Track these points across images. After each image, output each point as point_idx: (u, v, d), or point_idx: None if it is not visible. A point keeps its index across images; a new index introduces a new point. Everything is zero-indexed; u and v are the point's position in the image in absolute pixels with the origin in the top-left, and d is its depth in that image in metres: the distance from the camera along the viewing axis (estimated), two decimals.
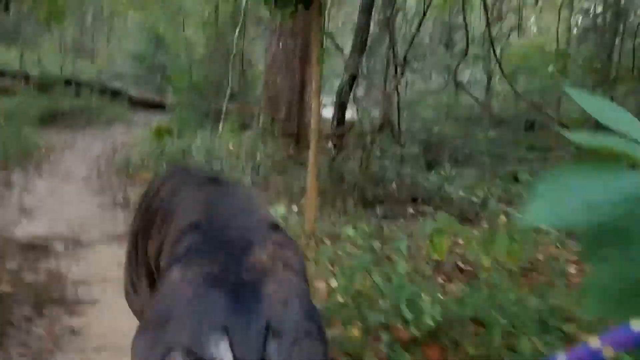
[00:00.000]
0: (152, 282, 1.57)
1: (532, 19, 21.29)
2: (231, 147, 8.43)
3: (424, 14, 8.02)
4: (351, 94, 8.24)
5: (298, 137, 9.80)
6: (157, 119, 14.79)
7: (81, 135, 12.23)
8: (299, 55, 9.80)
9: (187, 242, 1.27)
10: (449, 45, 18.00)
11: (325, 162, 7.90)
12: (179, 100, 13.42)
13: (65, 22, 13.09)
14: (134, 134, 13.06)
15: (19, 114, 11.98)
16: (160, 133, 7.77)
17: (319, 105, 3.91)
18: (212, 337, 1.00)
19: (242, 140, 9.44)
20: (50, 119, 12.88)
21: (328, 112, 10.96)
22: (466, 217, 6.82)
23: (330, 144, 8.07)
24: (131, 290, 1.77)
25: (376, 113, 10.23)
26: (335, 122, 8.32)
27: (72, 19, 15.34)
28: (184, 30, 12.52)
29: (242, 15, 9.32)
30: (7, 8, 10.63)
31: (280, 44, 9.74)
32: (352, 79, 7.82)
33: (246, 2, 9.36)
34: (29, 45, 15.87)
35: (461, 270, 4.33)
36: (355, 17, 12.68)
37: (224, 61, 14.90)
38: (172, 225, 1.48)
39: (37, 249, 3.81)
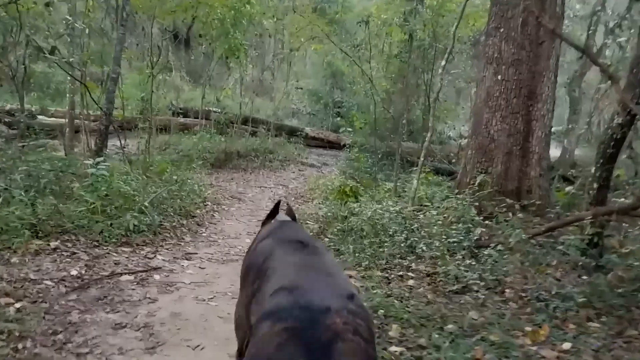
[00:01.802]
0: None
1: None
2: (434, 213, 5.94)
3: None
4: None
5: (519, 197, 7.01)
6: (333, 163, 12.99)
7: (254, 179, 10.72)
8: (524, 89, 7.08)
9: (276, 300, 1.39)
10: None
11: (574, 251, 5.07)
12: (357, 141, 11.38)
13: (245, 60, 11.89)
14: (307, 177, 11.36)
15: (193, 155, 10.90)
16: (344, 194, 5.61)
17: None
18: None
19: (445, 199, 6.94)
20: (224, 161, 11.67)
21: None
22: None
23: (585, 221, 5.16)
24: (240, 307, 1.94)
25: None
26: (595, 186, 5.41)
27: (252, 58, 14.29)
28: (368, 63, 10.41)
29: (453, 40, 6.88)
30: (187, 45, 9.47)
31: (499, 75, 7.11)
32: (629, 124, 4.92)
33: (456, 27, 6.92)
34: (212, 85, 15.25)
35: None
36: None
37: (407, 97, 12.73)
38: (265, 282, 1.59)
39: None
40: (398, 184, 9.46)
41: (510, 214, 6.52)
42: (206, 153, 11.36)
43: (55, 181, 5.63)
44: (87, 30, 7.14)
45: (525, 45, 7.13)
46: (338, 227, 5.42)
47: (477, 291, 4.28)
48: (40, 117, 12.51)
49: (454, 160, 13.14)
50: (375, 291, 4.01)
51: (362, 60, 14.95)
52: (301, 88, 18.16)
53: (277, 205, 2.50)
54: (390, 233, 5.27)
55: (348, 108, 16.02)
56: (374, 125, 12.04)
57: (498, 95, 7.17)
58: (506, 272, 4.67)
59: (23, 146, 9.05)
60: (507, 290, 4.42)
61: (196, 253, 4.97)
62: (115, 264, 4.19)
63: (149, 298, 3.66)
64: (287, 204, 2.64)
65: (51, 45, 7.17)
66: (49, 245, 4.20)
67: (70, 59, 6.64)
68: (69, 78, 8.22)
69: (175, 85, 14.39)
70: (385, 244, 5.03)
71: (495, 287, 4.46)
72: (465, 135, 15.81)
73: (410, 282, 4.41)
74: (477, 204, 6.26)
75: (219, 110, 13.66)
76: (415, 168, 9.43)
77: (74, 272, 3.81)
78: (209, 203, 7.21)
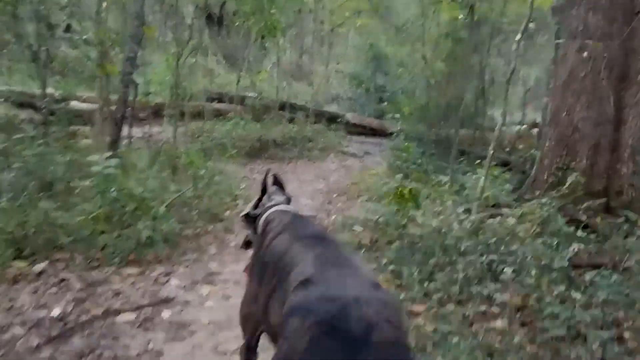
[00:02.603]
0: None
1: None
2: (511, 222, 4.75)
3: None
4: None
5: (607, 199, 5.75)
6: (376, 152, 11.81)
7: (291, 171, 9.69)
8: (615, 70, 5.77)
9: (303, 294, 1.32)
10: None
11: None
12: (404, 129, 10.16)
13: (283, 40, 10.80)
14: (349, 169, 10.26)
15: (227, 144, 9.94)
16: (401, 198, 4.50)
17: None
18: None
19: (517, 201, 5.76)
20: (259, 150, 10.67)
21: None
22: None
23: None
24: (250, 302, 1.87)
25: None
26: None
27: (290, 38, 13.17)
28: (416, 43, 9.17)
29: (529, 14, 5.57)
30: (221, 24, 8.45)
31: (585, 53, 5.80)
32: None
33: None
34: (247, 69, 14.26)
35: None
36: None
37: (463, 80, 11.42)
38: (286, 277, 1.51)
39: None
40: (446, 177, 8.31)
41: (599, 219, 5.32)
42: (241, 141, 10.40)
43: (61, 179, 4.73)
44: (104, 4, 6.17)
45: (617, 16, 5.80)
46: (396, 242, 4.29)
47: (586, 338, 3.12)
48: (73, 102, 11.77)
49: (507, 149, 11.78)
50: (455, 339, 2.91)
51: (409, 41, 13.70)
52: (341, 72, 16.94)
53: (265, 178, 2.42)
54: (462, 249, 4.12)
55: (392, 93, 14.77)
56: (424, 111, 10.82)
57: (583, 77, 5.87)
58: (617, 304, 3.49)
59: (44, 133, 8.27)
60: (625, 335, 3.25)
61: (220, 273, 3.95)
62: (114, 294, 3.20)
63: (152, 350, 2.66)
64: (274, 174, 2.54)
65: (66, 23, 6.19)
66: (33, 268, 3.24)
67: (84, 37, 5.68)
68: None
69: (209, 69, 13.43)
70: (457, 265, 3.89)
71: (609, 329, 3.28)
72: (519, 122, 14.41)
73: (498, 322, 3.27)
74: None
75: (255, 95, 12.65)
76: (477, 160, 8.28)
77: (56, 311, 2.84)
78: (241, 202, 6.20)
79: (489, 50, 11.43)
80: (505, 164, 10.48)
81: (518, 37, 5.93)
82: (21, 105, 9.91)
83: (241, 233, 5.20)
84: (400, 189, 4.45)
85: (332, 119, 13.41)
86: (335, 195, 7.33)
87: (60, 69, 9.93)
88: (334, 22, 11.26)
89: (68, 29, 6.31)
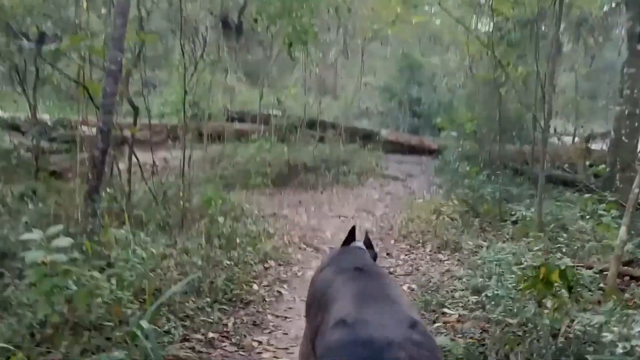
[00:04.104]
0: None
1: None
2: None
3: None
4: None
5: None
6: (418, 174, 9.86)
7: (327, 201, 7.75)
8: None
9: (337, 336, 1.26)
10: None
11: None
12: (463, 147, 8.18)
13: (315, 50, 8.98)
14: (395, 197, 8.35)
15: (251, 170, 8.13)
16: (546, 284, 2.59)
17: None
18: None
19: None
20: (288, 176, 8.82)
21: None
22: None
23: None
24: (307, 342, 1.75)
25: None
26: None
27: (322, 45, 11.34)
28: (493, 48, 7.27)
29: None
30: (240, 32, 6.68)
31: None
32: None
33: None
34: (271, 85, 12.46)
35: None
36: None
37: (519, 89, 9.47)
38: (326, 314, 1.45)
39: None
40: (522, 209, 6.33)
41: None
42: (266, 167, 8.55)
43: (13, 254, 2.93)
44: (84, 3, 4.40)
45: None
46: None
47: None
48: (84, 128, 10.11)
49: (565, 165, 9.68)
50: None
51: (442, 49, 11.79)
52: (370, 84, 15.04)
53: (352, 232, 2.17)
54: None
55: (429, 105, 12.83)
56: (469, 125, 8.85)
57: None
58: None
59: (37, 171, 6.57)
60: None
61: None
62: None
63: None
64: (366, 232, 2.34)
65: (39, 31, 4.42)
66: None
67: (52, 47, 3.89)
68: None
69: (229, 86, 11.66)
70: None
71: None
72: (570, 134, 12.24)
73: None
74: None
75: (280, 113, 10.81)
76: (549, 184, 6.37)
77: None
78: (272, 263, 4.30)
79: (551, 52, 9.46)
80: (566, 183, 8.50)
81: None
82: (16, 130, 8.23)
83: (280, 328, 3.31)
84: (545, 269, 2.50)
85: (366, 136, 11.50)
86: (393, 242, 5.40)
87: (56, 90, 8.28)
88: (373, 25, 9.33)
89: (42, 39, 4.52)
